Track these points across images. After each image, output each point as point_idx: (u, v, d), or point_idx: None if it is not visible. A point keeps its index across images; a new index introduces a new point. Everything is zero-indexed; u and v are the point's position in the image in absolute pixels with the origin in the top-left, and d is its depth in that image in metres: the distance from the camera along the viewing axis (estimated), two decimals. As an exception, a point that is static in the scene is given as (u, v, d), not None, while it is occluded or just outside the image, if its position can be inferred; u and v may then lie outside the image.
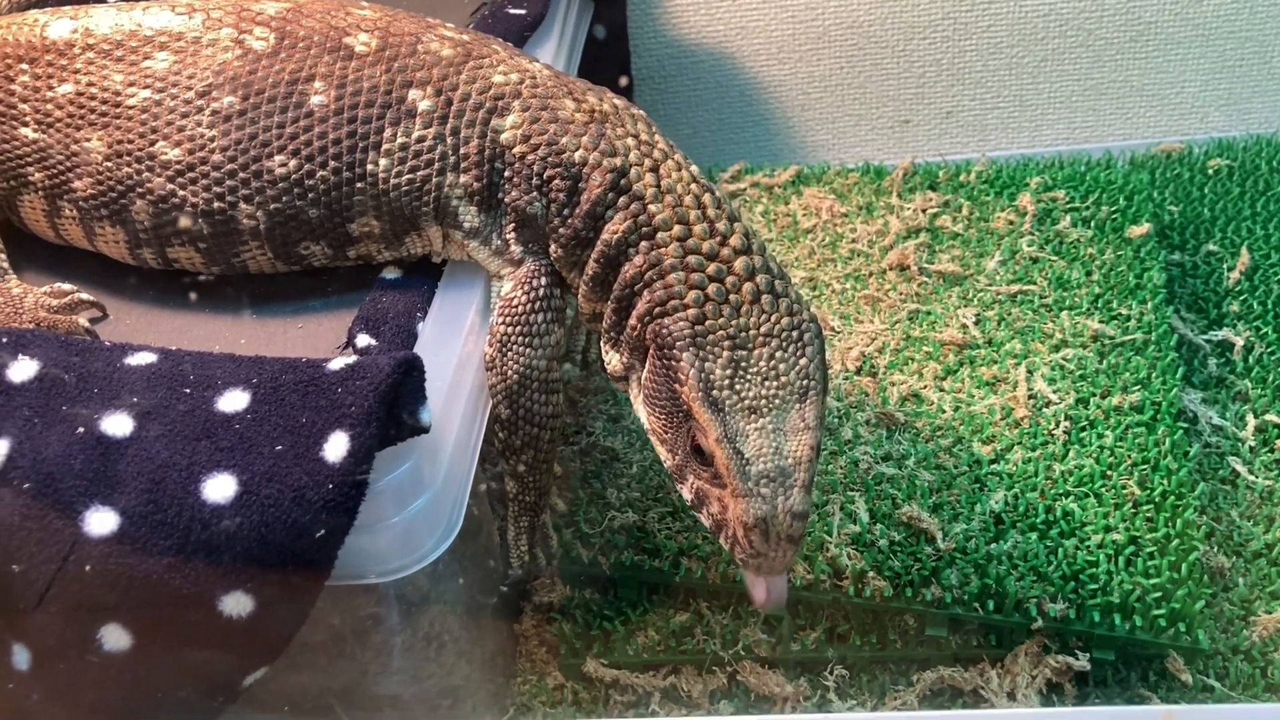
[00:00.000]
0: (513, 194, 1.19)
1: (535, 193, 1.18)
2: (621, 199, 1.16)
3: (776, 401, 1.08)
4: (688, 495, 1.13)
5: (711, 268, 1.12)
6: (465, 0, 1.70)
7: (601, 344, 1.21)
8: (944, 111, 2.16)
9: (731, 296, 1.11)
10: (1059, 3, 2.04)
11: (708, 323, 1.10)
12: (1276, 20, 2.03)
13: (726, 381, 1.08)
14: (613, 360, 1.20)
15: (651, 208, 1.15)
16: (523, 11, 1.58)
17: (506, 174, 1.19)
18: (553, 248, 1.20)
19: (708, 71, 2.15)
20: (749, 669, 1.31)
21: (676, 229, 1.14)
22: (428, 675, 1.23)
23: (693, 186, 1.17)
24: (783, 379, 1.09)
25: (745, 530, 1.06)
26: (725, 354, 1.09)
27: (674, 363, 1.09)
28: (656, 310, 1.12)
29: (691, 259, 1.12)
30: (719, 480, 1.08)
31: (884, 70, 2.13)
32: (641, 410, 1.17)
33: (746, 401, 1.08)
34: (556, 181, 1.17)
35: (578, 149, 1.17)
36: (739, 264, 1.12)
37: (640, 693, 1.33)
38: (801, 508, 1.06)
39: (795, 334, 1.11)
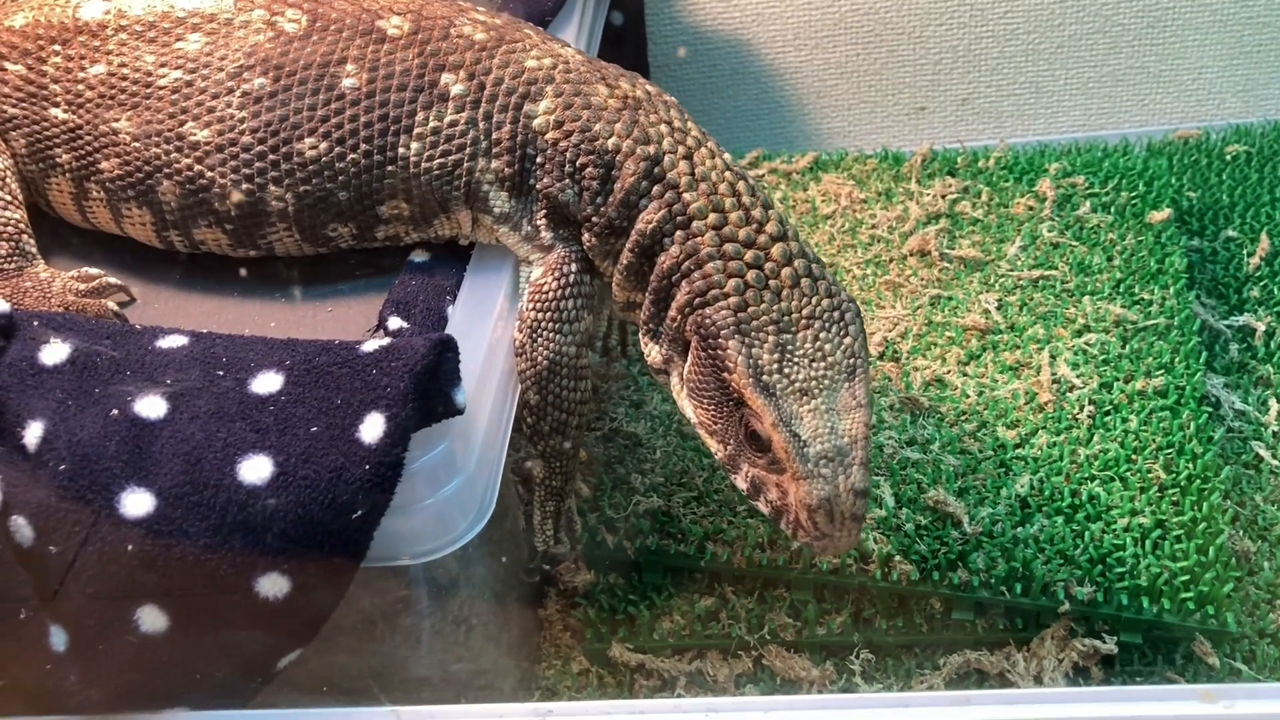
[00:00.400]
0: (545, 180, 1.18)
1: (567, 180, 1.18)
2: (655, 188, 1.16)
3: (826, 382, 1.08)
4: (743, 484, 1.13)
5: (749, 255, 1.12)
6: (485, -15, 1.70)
7: (640, 336, 1.21)
8: (960, 98, 2.16)
9: (771, 282, 1.11)
10: (1076, -12, 2.04)
11: (750, 309, 1.10)
12: (1295, 6, 2.02)
13: (775, 366, 1.08)
14: (652, 353, 1.19)
15: (686, 196, 1.15)
16: (544, -4, 1.57)
17: (539, 160, 1.18)
18: (586, 236, 1.20)
19: (724, 58, 2.15)
20: (774, 653, 1.31)
21: (712, 217, 1.14)
22: (456, 659, 1.23)
23: (726, 174, 1.17)
24: (829, 359, 1.09)
25: (809, 513, 1.06)
26: (771, 339, 1.09)
27: (720, 351, 1.09)
28: (697, 301, 1.12)
29: (729, 247, 1.12)
30: (776, 466, 1.08)
31: (900, 57, 2.12)
32: (687, 404, 1.17)
33: (797, 384, 1.08)
34: (590, 169, 1.17)
35: (611, 136, 1.17)
36: (776, 250, 1.12)
37: (665, 677, 1.33)
38: (862, 485, 1.07)
39: (837, 314, 1.12)
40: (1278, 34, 2.05)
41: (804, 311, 1.11)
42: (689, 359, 1.14)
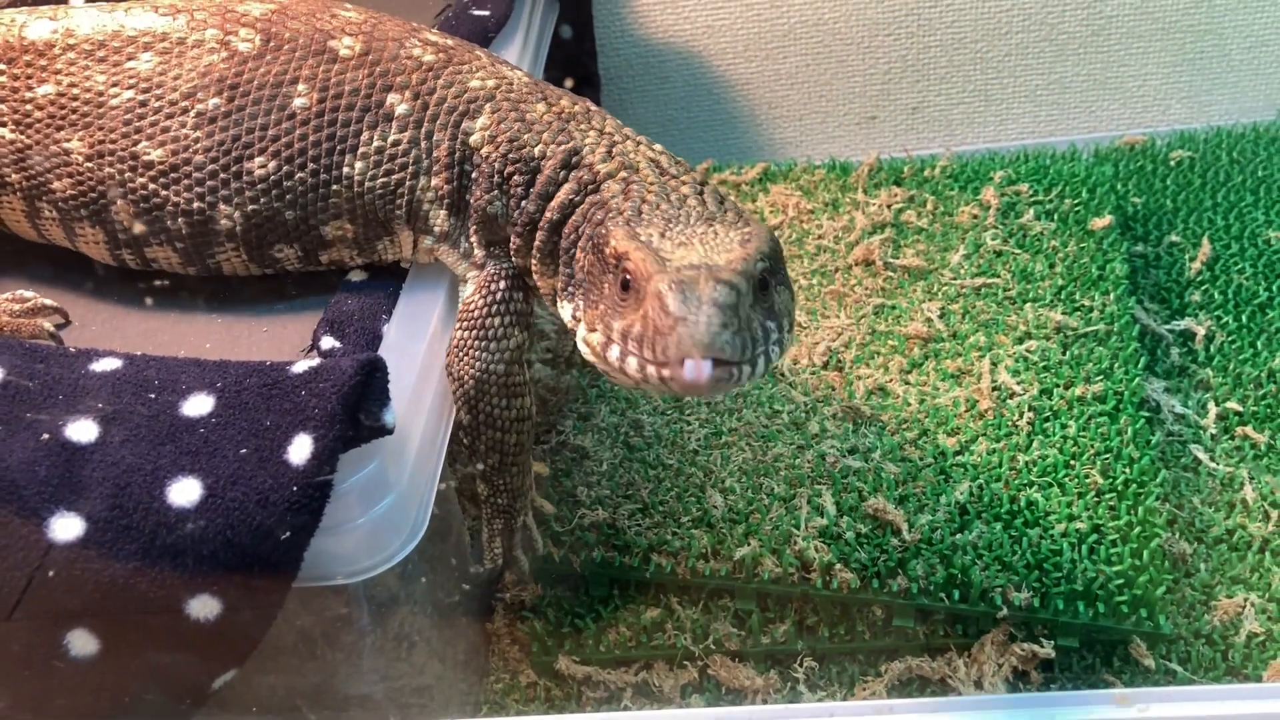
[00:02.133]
0: (476, 194, 1.19)
1: (496, 190, 1.19)
2: (573, 173, 1.16)
3: (711, 241, 1.02)
4: (615, 350, 1.01)
5: (654, 187, 1.10)
6: (430, 2, 1.71)
7: (558, 304, 1.17)
8: (909, 107, 2.18)
9: (672, 196, 1.08)
10: (1021, -2, 2.07)
11: (644, 209, 1.06)
12: (1234, 15, 2.05)
13: (658, 234, 1.03)
14: (565, 312, 1.15)
15: (599, 167, 1.14)
16: (486, 13, 1.58)
17: (474, 175, 1.19)
18: (512, 240, 1.20)
19: (674, 70, 2.16)
20: (719, 663, 1.32)
21: (622, 174, 1.13)
22: (399, 675, 1.24)
23: (648, 151, 1.17)
24: (720, 236, 1.03)
25: (660, 301, 0.94)
26: (660, 222, 1.05)
27: (605, 237, 1.05)
28: (595, 229, 1.09)
29: (634, 187, 1.10)
30: (641, 295, 0.98)
31: (849, 67, 2.14)
32: (567, 310, 1.12)
33: (677, 242, 1.02)
34: (516, 177, 1.18)
35: (538, 144, 1.18)
36: (686, 189, 1.10)
37: (612, 689, 1.34)
38: (727, 277, 0.95)
39: (741, 223, 1.07)
40: (1220, 41, 2.08)
41: (703, 214, 1.06)
42: (584, 282, 1.09)
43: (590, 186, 1.14)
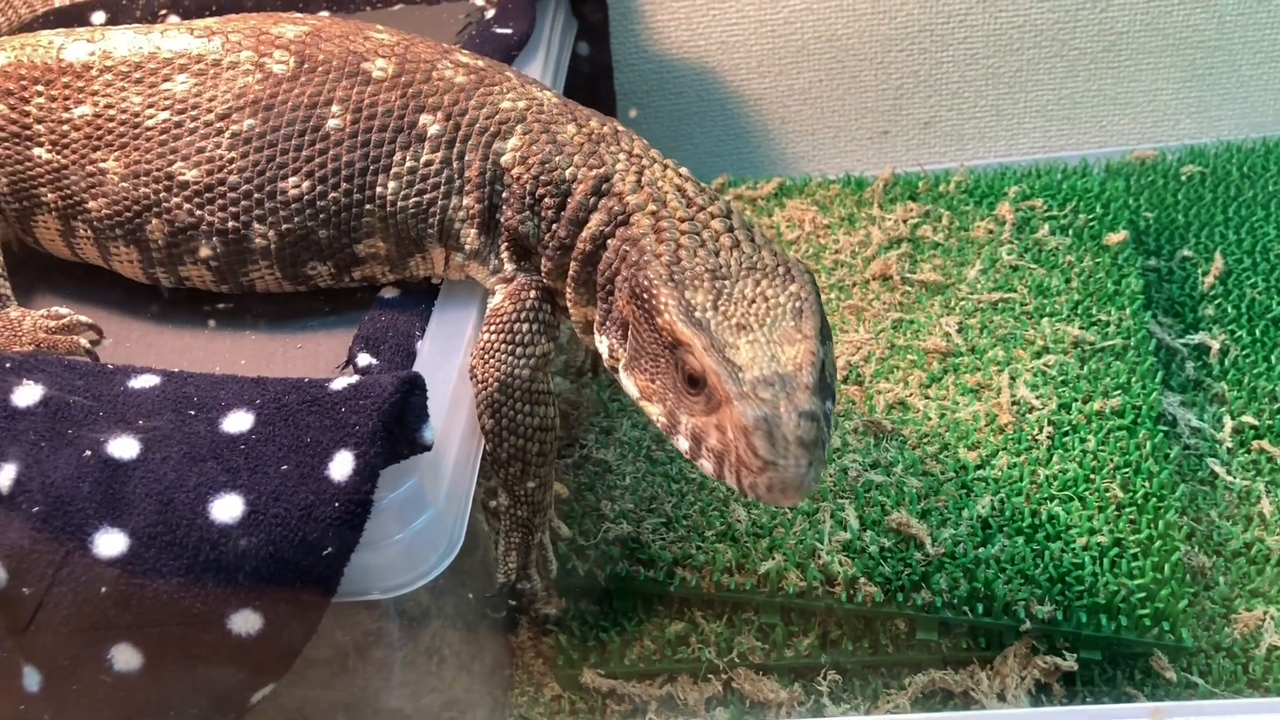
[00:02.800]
0: (508, 214, 1.20)
1: (528, 211, 1.20)
2: (603, 200, 1.17)
3: (768, 319, 1.02)
4: (685, 444, 1.04)
5: (685, 225, 1.10)
6: (452, 20, 1.73)
7: (596, 338, 1.19)
8: (922, 122, 2.19)
9: (708, 242, 1.08)
10: (1034, 15, 2.08)
11: (684, 262, 1.06)
12: (1243, 31, 2.07)
13: (710, 304, 1.03)
14: (603, 347, 1.16)
15: (629, 199, 1.15)
16: (509, 31, 1.60)
17: (504, 195, 1.21)
18: (543, 263, 1.21)
19: (690, 86, 2.18)
20: (743, 676, 1.33)
21: (651, 206, 1.14)
22: (429, 689, 1.25)
23: (674, 177, 1.18)
24: (771, 301, 1.04)
25: (747, 438, 0.96)
26: (706, 284, 1.05)
27: (652, 301, 1.05)
28: (633, 273, 1.09)
29: (664, 221, 1.11)
30: (712, 402, 1.00)
31: (862, 83, 2.16)
32: (626, 379, 1.12)
33: (734, 320, 1.02)
34: (547, 199, 1.19)
35: (569, 166, 1.19)
36: (716, 223, 1.11)
37: (637, 702, 1.35)
38: (808, 407, 0.96)
39: (781, 269, 1.07)
40: (1229, 57, 2.10)
41: (744, 265, 1.06)
42: (629, 332, 1.10)
43: (620, 217, 1.15)
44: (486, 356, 1.19)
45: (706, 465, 1.03)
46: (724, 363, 0.99)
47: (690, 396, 1.02)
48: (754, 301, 1.04)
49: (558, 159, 1.19)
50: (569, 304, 1.21)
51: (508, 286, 1.22)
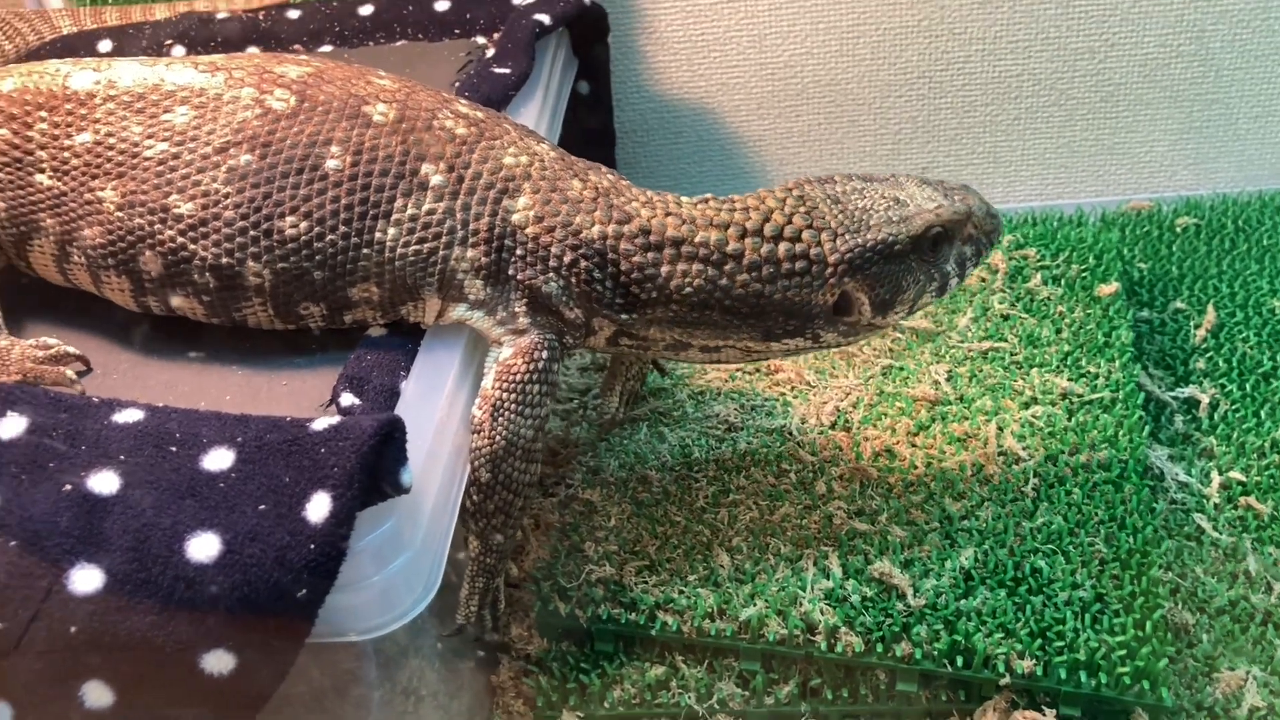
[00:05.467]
0: (526, 272, 1.22)
1: (552, 273, 1.22)
2: (661, 253, 1.24)
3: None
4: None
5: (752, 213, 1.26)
6: (453, 57, 1.74)
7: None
8: (920, 167, 2.21)
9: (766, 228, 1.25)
10: (1032, 64, 2.10)
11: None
12: (1240, 86, 2.09)
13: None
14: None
15: (699, 237, 1.24)
16: (508, 70, 1.61)
17: (518, 252, 1.22)
18: (569, 313, 1.25)
19: (689, 126, 2.20)
20: (723, 722, 1.33)
21: (714, 234, 1.23)
22: (405, 728, 1.24)
23: (689, 208, 1.27)
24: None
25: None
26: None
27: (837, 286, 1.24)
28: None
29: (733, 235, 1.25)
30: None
31: (861, 127, 2.18)
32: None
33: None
34: (582, 262, 1.22)
35: (593, 225, 1.22)
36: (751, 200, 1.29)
37: (615, 745, 1.35)
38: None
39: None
40: (1226, 111, 2.12)
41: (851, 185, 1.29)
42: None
43: (690, 254, 1.23)
44: (496, 414, 1.20)
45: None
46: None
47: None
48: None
49: (578, 219, 1.22)
50: (600, 340, 1.30)
51: (519, 340, 1.23)
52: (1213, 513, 1.52)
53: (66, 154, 1.25)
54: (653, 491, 1.51)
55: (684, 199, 1.29)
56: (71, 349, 1.24)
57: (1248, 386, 1.68)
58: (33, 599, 0.95)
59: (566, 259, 1.22)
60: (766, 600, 1.33)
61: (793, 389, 1.66)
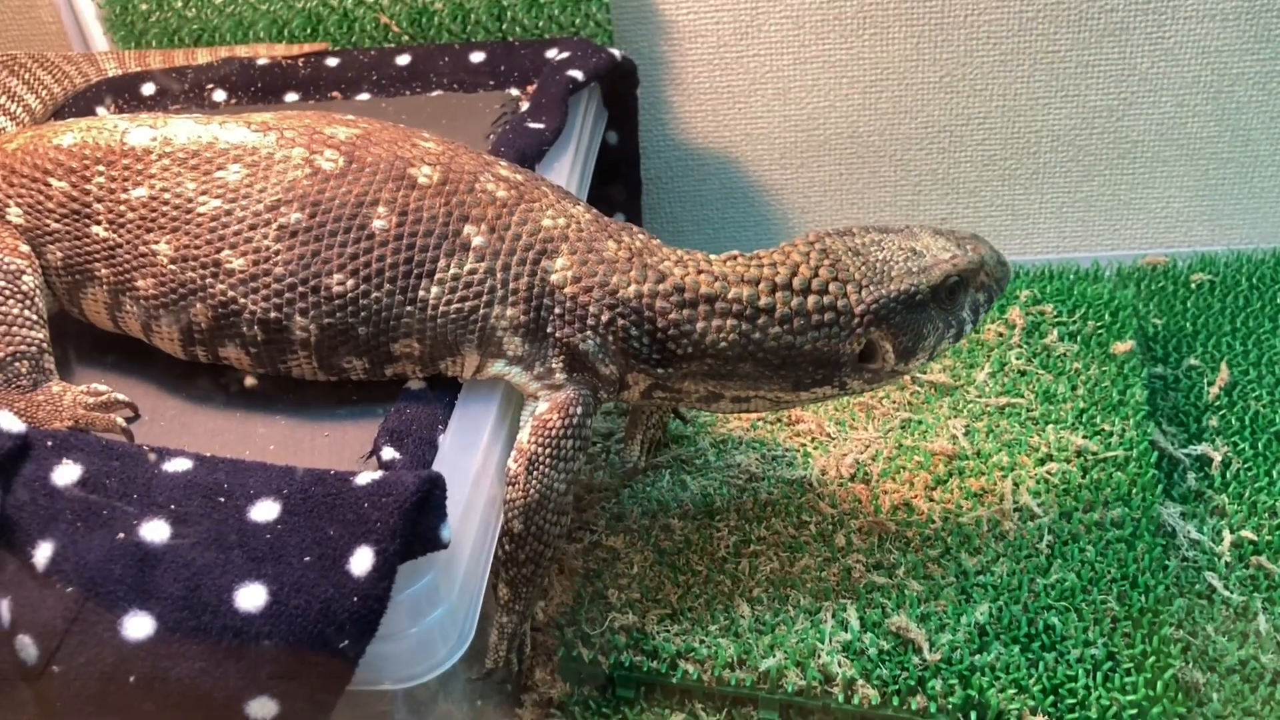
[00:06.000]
0: (564, 330, 1.26)
1: (589, 331, 1.27)
2: (692, 310, 1.28)
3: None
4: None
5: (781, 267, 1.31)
6: (488, 110, 1.79)
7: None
8: (939, 218, 2.25)
9: (795, 282, 1.30)
10: (1051, 120, 2.14)
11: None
12: (1257, 143, 2.13)
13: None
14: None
15: (732, 293, 1.28)
16: (541, 126, 1.66)
17: (556, 310, 1.26)
18: (604, 369, 1.29)
19: (713, 173, 2.25)
20: (741, 770, 1.36)
21: (745, 290, 1.28)
22: (433, 770, 1.28)
23: (720, 265, 1.31)
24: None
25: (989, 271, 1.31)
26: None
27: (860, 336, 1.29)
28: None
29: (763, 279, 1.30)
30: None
31: (881, 178, 2.22)
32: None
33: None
34: (620, 320, 1.27)
35: (629, 285, 1.27)
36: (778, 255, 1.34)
37: (635, 789, 1.38)
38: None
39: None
40: (1241, 168, 2.15)
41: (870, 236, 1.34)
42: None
43: (724, 309, 1.27)
44: (531, 468, 1.25)
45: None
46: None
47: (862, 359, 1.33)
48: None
49: (614, 280, 1.27)
50: (635, 392, 1.34)
51: (555, 396, 1.28)
52: (1224, 571, 1.55)
53: (122, 207, 1.30)
54: (675, 540, 1.54)
55: (713, 257, 1.33)
56: (121, 396, 1.28)
57: (1260, 445, 1.71)
58: (87, 644, 0.99)
59: (604, 317, 1.27)
60: (786, 651, 1.37)
61: (813, 440, 1.70)
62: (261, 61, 2.01)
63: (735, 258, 1.33)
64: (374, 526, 1.03)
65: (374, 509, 1.04)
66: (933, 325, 1.30)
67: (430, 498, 1.05)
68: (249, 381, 1.32)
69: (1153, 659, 1.35)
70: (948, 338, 1.33)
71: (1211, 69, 2.07)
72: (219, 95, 1.97)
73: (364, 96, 1.92)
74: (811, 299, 1.27)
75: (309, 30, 2.09)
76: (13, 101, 1.85)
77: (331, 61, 1.98)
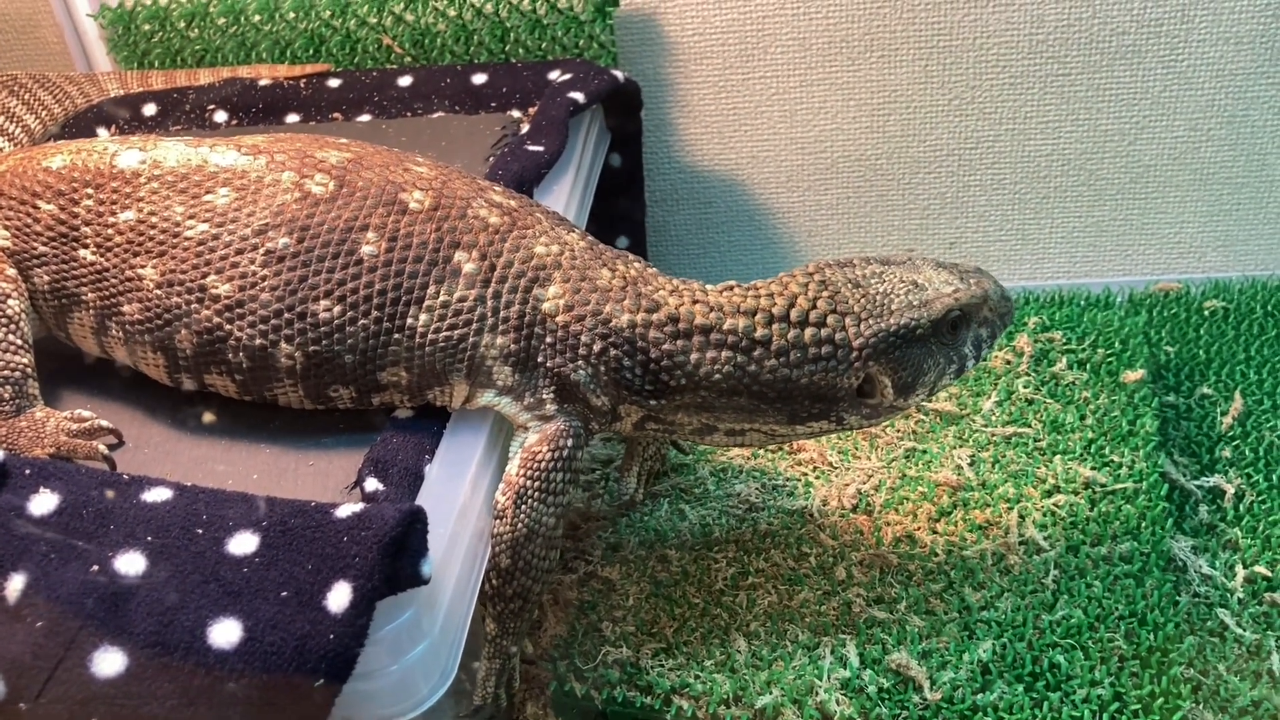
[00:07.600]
0: (556, 360, 1.24)
1: (581, 360, 1.24)
2: (687, 340, 1.25)
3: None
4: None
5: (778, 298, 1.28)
6: (488, 132, 1.78)
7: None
8: (947, 242, 2.22)
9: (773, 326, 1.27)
10: (1062, 144, 2.11)
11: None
12: (1272, 168, 2.09)
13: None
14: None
15: (727, 324, 1.25)
16: (541, 149, 1.64)
17: (548, 339, 1.24)
18: (595, 399, 1.26)
19: (719, 196, 2.22)
20: (736, 810, 1.32)
21: (741, 321, 1.25)
22: (417, 809, 1.25)
23: (715, 295, 1.28)
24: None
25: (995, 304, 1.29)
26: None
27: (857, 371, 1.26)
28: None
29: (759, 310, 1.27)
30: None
31: (890, 201, 2.19)
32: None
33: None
34: (612, 350, 1.24)
35: (623, 314, 1.24)
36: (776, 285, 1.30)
37: (628, 829, 1.35)
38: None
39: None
40: (1255, 193, 2.12)
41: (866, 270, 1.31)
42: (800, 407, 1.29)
43: (719, 340, 1.25)
44: (520, 501, 1.22)
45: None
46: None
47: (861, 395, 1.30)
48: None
49: (607, 309, 1.24)
50: (627, 423, 1.31)
51: (545, 427, 1.25)
52: (1237, 608, 1.51)
53: (110, 230, 1.28)
54: (671, 571, 1.51)
55: (709, 286, 1.30)
56: (105, 422, 1.26)
57: (1274, 477, 1.67)
58: (57, 680, 0.96)
59: (596, 347, 1.24)
60: (783, 688, 1.33)
61: (815, 469, 1.66)
62: (263, 82, 2.00)
63: (732, 288, 1.30)
64: (352, 562, 1.00)
65: (353, 543, 1.01)
66: (933, 360, 1.27)
67: (411, 532, 1.02)
68: (207, 418, 1.30)
69: (1162, 700, 1.31)
70: (949, 374, 1.29)
71: (1226, 93, 2.03)
72: (220, 116, 1.96)
73: (365, 118, 1.90)
74: (809, 331, 1.24)
75: (311, 51, 2.08)
76: (11, 122, 1.84)
77: (333, 83, 1.97)
